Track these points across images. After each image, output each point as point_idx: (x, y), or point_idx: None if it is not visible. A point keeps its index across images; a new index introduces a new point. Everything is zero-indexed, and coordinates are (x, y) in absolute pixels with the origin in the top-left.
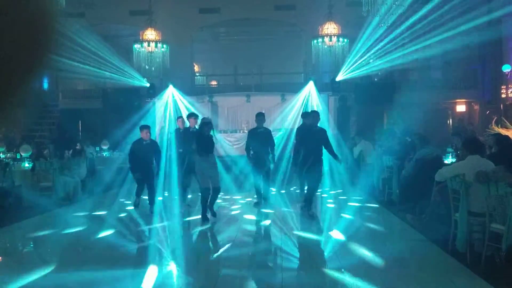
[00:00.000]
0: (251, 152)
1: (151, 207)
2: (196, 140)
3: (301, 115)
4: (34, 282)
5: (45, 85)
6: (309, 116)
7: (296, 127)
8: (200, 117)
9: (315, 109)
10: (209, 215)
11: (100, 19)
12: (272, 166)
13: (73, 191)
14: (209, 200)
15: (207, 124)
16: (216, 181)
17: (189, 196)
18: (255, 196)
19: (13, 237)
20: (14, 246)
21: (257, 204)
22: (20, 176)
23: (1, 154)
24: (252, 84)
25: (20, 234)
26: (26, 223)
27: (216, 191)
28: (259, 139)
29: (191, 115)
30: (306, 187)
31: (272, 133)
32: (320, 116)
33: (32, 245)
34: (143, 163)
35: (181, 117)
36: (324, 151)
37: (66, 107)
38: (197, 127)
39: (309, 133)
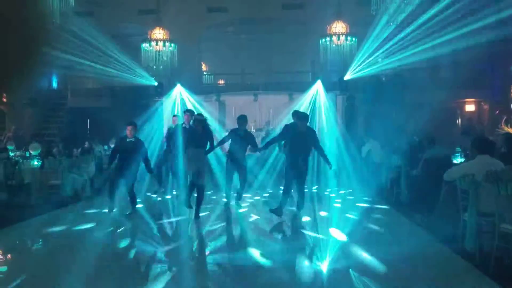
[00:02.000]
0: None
1: (133, 207)
2: (188, 135)
3: (293, 114)
4: (41, 279)
5: (54, 84)
6: (301, 117)
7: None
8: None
9: (322, 108)
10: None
11: (108, 18)
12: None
13: (81, 189)
14: (196, 200)
15: (199, 121)
16: (199, 177)
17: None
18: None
19: (22, 235)
20: (23, 243)
21: (227, 204)
22: (29, 174)
23: (11, 152)
24: (260, 83)
25: (29, 232)
26: (35, 220)
27: (200, 189)
28: (238, 141)
29: (185, 112)
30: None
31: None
32: (315, 117)
33: (41, 243)
34: (124, 161)
35: (176, 115)
36: (332, 153)
37: (75, 106)
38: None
39: (298, 133)
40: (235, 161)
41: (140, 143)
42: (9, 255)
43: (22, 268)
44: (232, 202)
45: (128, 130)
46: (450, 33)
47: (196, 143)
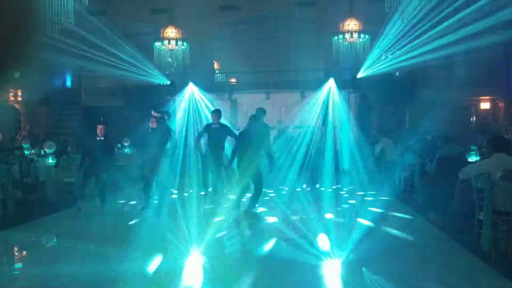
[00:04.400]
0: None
1: (102, 204)
2: (147, 133)
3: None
4: (56, 277)
5: (69, 83)
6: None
7: (318, 125)
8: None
9: (335, 106)
10: None
11: (121, 17)
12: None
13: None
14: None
15: (156, 118)
16: (149, 172)
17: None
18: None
19: (37, 232)
20: (39, 241)
21: (205, 196)
22: (44, 172)
23: (26, 150)
24: (272, 82)
25: (44, 229)
26: (50, 218)
27: (147, 182)
28: (212, 134)
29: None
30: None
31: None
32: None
33: (55, 240)
34: (93, 159)
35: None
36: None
37: (89, 105)
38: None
39: (251, 134)
40: (210, 156)
41: (109, 142)
42: (24, 252)
43: (38, 266)
44: (207, 206)
45: (99, 129)
46: (464, 31)
47: (153, 141)
